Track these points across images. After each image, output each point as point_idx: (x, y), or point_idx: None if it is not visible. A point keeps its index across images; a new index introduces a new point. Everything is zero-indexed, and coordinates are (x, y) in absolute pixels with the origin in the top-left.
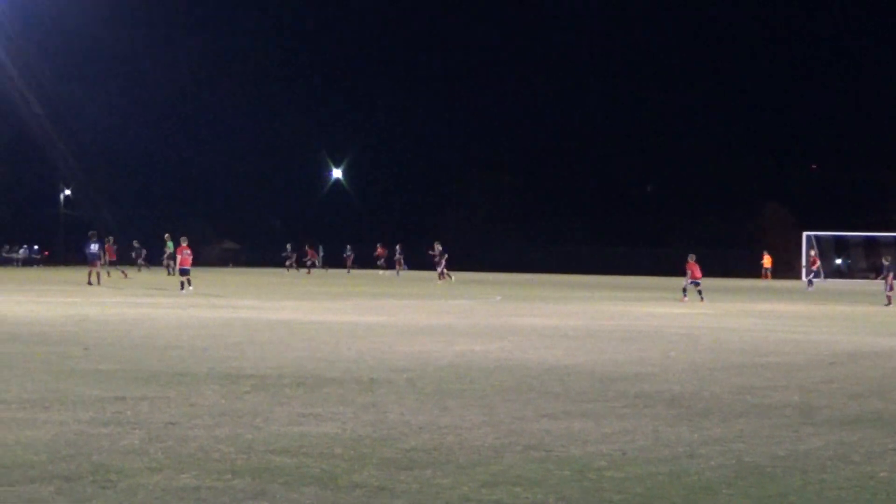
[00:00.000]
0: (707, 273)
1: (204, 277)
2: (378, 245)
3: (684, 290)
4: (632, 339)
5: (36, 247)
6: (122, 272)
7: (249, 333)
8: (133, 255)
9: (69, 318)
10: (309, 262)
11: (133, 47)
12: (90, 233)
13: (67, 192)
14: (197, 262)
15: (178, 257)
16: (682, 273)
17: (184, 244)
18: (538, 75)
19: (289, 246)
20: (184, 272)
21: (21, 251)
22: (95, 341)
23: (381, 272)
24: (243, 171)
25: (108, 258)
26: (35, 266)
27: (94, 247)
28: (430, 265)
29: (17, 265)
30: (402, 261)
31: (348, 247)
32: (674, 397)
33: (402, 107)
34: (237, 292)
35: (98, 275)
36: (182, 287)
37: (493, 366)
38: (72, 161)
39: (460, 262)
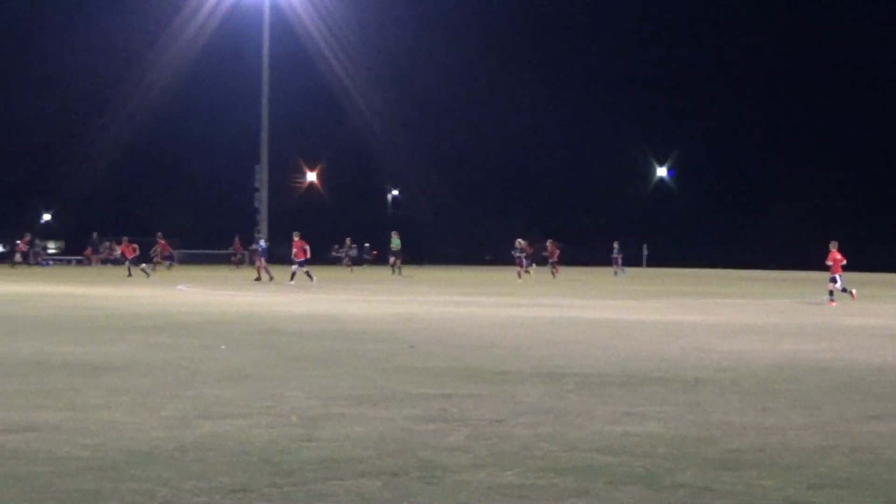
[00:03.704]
0: None
1: (525, 276)
2: (549, 243)
3: (831, 292)
4: None
5: (367, 244)
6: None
7: (572, 332)
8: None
9: (396, 317)
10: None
11: (449, 51)
12: (257, 228)
13: (395, 192)
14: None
15: (294, 250)
16: None
17: (296, 238)
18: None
19: (615, 245)
20: (301, 265)
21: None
22: (421, 339)
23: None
24: (567, 169)
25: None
26: (363, 265)
27: (262, 242)
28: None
29: (347, 264)
30: (618, 260)
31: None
32: None
33: (726, 105)
34: (559, 291)
35: (266, 270)
36: (311, 278)
37: (819, 366)
38: (399, 162)
39: (789, 259)
